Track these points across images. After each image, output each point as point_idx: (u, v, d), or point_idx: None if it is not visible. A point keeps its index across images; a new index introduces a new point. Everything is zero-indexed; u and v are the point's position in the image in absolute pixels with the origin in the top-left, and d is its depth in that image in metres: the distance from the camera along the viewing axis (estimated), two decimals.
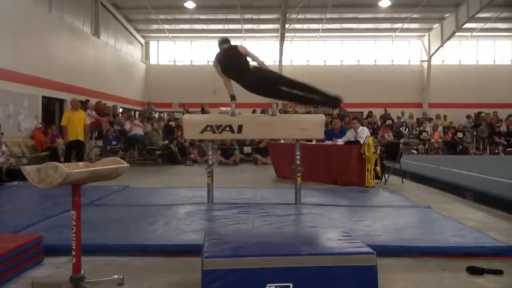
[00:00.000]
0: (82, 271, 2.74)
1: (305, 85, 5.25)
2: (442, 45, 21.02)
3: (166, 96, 21.31)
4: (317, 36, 21.96)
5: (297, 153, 5.49)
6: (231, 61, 5.29)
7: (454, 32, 19.71)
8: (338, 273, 2.44)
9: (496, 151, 16.63)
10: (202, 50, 22.82)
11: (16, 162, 9.91)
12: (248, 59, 5.28)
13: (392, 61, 22.95)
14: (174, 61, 23.23)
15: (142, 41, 23.01)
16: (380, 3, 18.24)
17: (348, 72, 21.75)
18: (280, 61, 21.24)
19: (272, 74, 5.36)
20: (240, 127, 5.30)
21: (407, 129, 18.04)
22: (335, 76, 21.35)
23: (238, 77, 5.24)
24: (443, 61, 22.59)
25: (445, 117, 18.99)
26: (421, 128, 17.92)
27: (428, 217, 4.83)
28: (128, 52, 21.09)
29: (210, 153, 5.83)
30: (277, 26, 20.42)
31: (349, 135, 8.66)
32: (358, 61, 22.87)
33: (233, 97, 5.39)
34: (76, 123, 9.38)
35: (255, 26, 21.30)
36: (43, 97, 12.52)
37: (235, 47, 5.38)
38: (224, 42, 5.49)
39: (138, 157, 13.19)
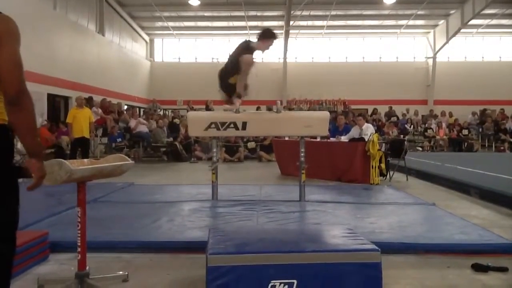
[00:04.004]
0: (87, 268, 2.75)
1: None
2: (447, 42, 20.90)
3: (170, 93, 21.34)
4: (321, 33, 21.91)
5: (302, 150, 5.49)
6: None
7: (459, 29, 19.60)
8: (342, 270, 2.44)
9: (502, 148, 16.54)
10: (206, 48, 22.82)
11: (22, 159, 9.95)
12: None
13: (397, 58, 22.86)
14: (179, 59, 23.25)
15: (147, 38, 23.05)
16: (385, 0, 18.15)
17: (353, 69, 21.70)
18: (285, 58, 21.22)
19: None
20: (244, 124, 5.29)
21: (412, 126, 17.98)
22: (340, 73, 21.35)
23: None
24: (448, 57, 22.47)
25: (450, 114, 18.92)
26: (426, 125, 17.86)
27: (433, 214, 4.82)
28: (133, 49, 21.13)
29: (214, 150, 5.84)
30: (281, 23, 20.37)
31: (354, 132, 8.65)
32: (363, 58, 22.79)
33: (239, 95, 5.36)
34: (82, 121, 9.41)
35: (259, 23, 21.23)
36: (48, 94, 12.57)
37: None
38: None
39: (142, 154, 13.22)
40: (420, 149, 16.74)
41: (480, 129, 17.68)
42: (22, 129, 1.75)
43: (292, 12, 18.50)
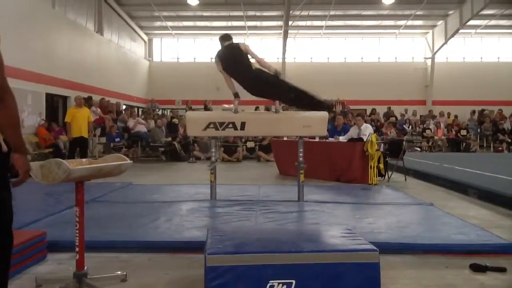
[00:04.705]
0: (85, 267, 2.75)
1: (301, 91, 5.23)
2: (446, 42, 20.93)
3: (169, 93, 21.32)
4: (320, 33, 21.91)
5: (300, 150, 5.49)
6: (232, 60, 5.24)
7: (458, 29, 19.62)
8: (340, 270, 2.44)
9: (500, 148, 16.56)
10: (205, 47, 22.80)
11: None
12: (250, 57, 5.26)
13: (395, 58, 22.88)
14: (177, 58, 23.23)
15: (145, 38, 23.02)
16: (383, 0, 18.16)
17: (352, 69, 21.71)
18: (284, 58, 21.20)
19: (272, 79, 5.17)
20: (243, 124, 5.30)
21: (410, 127, 18.00)
22: (339, 73, 21.36)
23: (238, 76, 5.23)
24: (447, 58, 22.50)
25: (448, 114, 18.96)
26: (425, 125, 17.88)
27: (431, 214, 4.83)
28: (131, 49, 21.10)
29: (213, 150, 5.84)
30: (280, 23, 20.38)
31: (352, 132, 8.65)
32: (362, 58, 22.80)
33: (236, 95, 5.37)
34: (80, 120, 9.40)
35: (258, 23, 21.27)
36: (47, 94, 12.55)
37: (237, 45, 5.32)
38: (225, 38, 5.44)
39: (141, 154, 13.21)
40: (419, 149, 16.74)
41: (479, 130, 17.70)
42: (5, 125, 1.78)
43: (291, 12, 18.50)
